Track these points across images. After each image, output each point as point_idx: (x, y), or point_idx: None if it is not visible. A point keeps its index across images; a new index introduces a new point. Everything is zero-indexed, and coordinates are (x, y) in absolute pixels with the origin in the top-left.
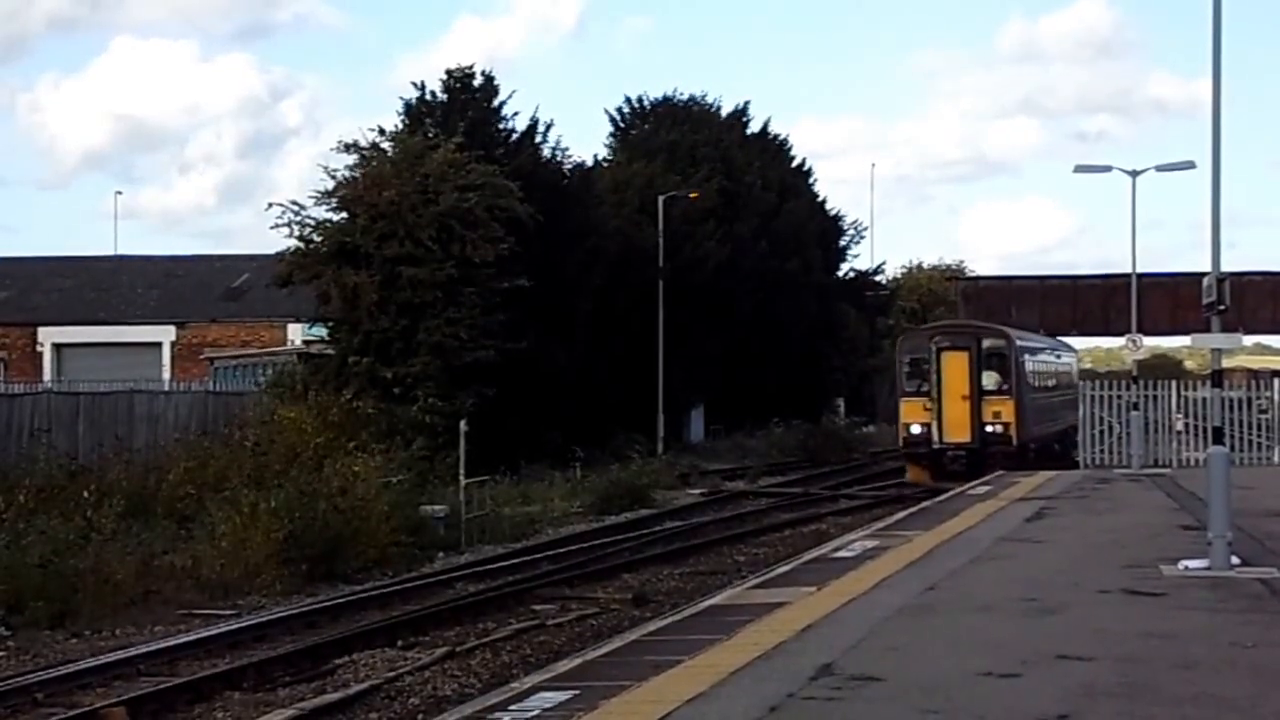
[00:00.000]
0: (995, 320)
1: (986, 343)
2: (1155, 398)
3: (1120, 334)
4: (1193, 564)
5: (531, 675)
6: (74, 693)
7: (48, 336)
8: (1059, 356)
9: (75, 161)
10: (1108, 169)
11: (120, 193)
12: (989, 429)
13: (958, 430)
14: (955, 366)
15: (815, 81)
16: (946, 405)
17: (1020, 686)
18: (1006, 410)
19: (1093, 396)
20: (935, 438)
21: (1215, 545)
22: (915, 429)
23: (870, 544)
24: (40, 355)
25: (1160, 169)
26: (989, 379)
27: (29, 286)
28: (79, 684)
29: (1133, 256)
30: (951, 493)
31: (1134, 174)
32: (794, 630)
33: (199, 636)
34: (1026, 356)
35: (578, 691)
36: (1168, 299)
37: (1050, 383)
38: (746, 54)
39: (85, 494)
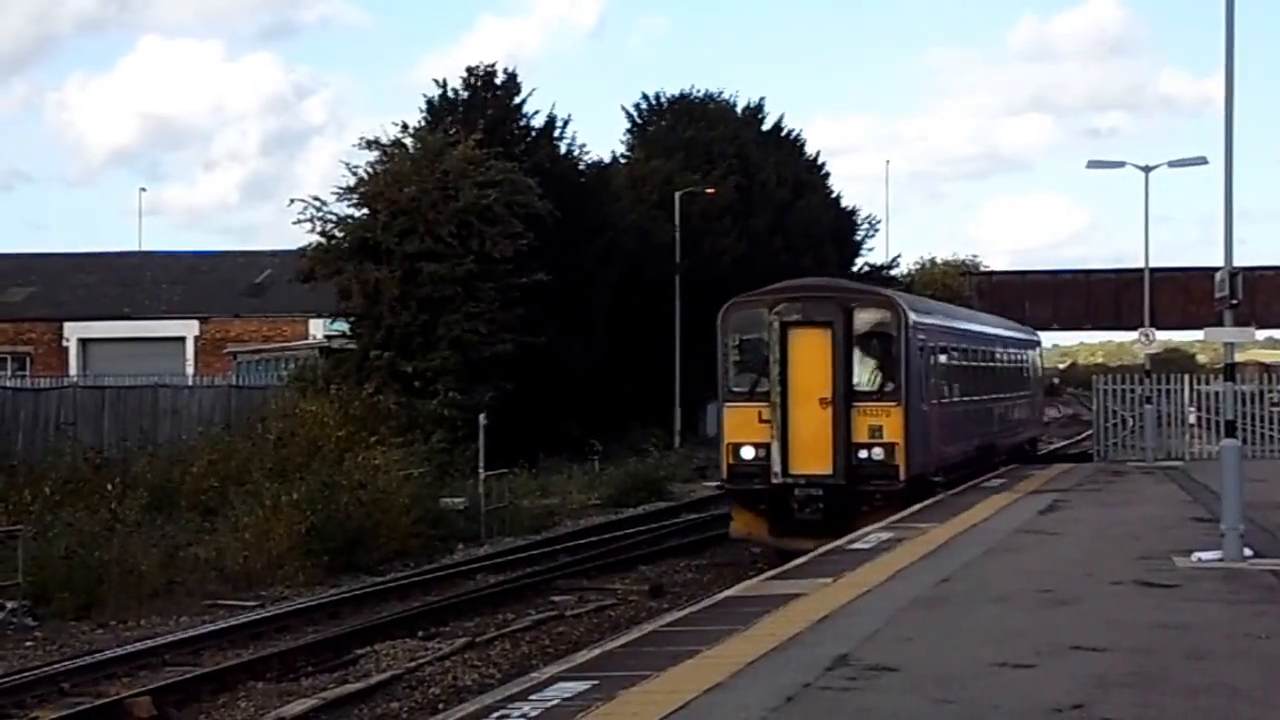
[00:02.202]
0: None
1: (861, 315)
2: (1168, 391)
3: (1133, 328)
4: (1206, 556)
5: (551, 666)
6: (100, 683)
7: (73, 332)
8: (1007, 346)
9: (102, 159)
10: (1121, 164)
11: (145, 189)
12: (862, 454)
13: (811, 456)
14: (809, 353)
15: (829, 79)
16: (795, 415)
17: (1035, 677)
18: (891, 424)
19: (1106, 390)
20: (776, 468)
21: (1228, 537)
22: (746, 452)
23: (886, 536)
24: (66, 350)
25: (1173, 165)
26: (864, 373)
27: (55, 282)
28: (105, 674)
29: (1145, 251)
30: (964, 486)
31: (1146, 170)
32: (810, 621)
33: (223, 627)
34: (932, 340)
35: (596, 682)
36: (1180, 294)
37: (984, 381)
38: (762, 53)
39: (110, 487)
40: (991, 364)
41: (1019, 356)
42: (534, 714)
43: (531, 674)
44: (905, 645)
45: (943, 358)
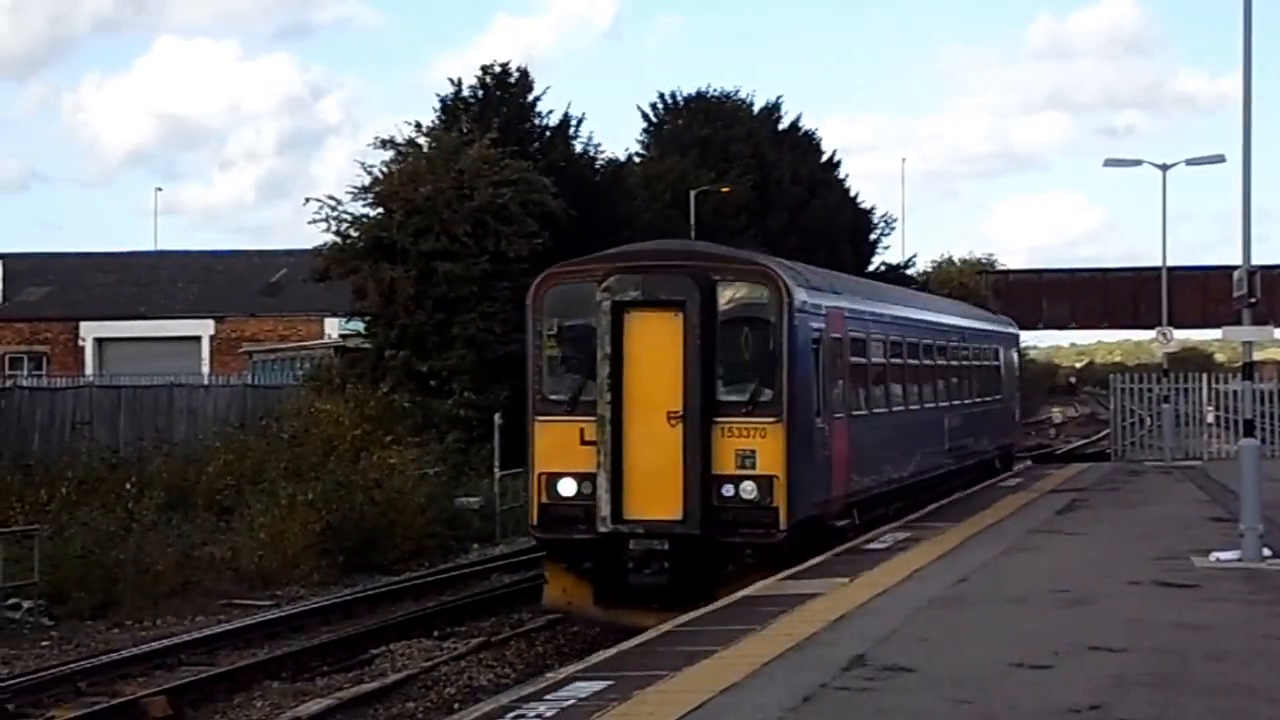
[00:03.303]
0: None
1: (728, 293)
2: (1186, 390)
3: (1150, 327)
4: (1224, 555)
5: (566, 665)
6: (116, 682)
7: (89, 331)
8: (968, 340)
9: (118, 159)
10: (1138, 163)
11: (160, 189)
12: (726, 491)
13: (653, 494)
14: (654, 346)
15: (845, 78)
16: (634, 436)
17: (1052, 677)
18: (768, 448)
19: (1123, 389)
20: (605, 510)
21: (1247, 537)
22: (565, 487)
23: (902, 536)
24: (82, 350)
25: (1190, 163)
26: (732, 375)
27: (70, 282)
28: (120, 674)
29: (1163, 250)
30: (982, 485)
31: (1164, 168)
32: (827, 621)
33: (238, 626)
34: (838, 328)
35: (612, 682)
36: (1198, 292)
37: (932, 385)
38: (777, 52)
39: (126, 486)
40: (944, 362)
41: (986, 352)
42: (549, 714)
43: (547, 674)
44: (922, 645)
45: (859, 354)
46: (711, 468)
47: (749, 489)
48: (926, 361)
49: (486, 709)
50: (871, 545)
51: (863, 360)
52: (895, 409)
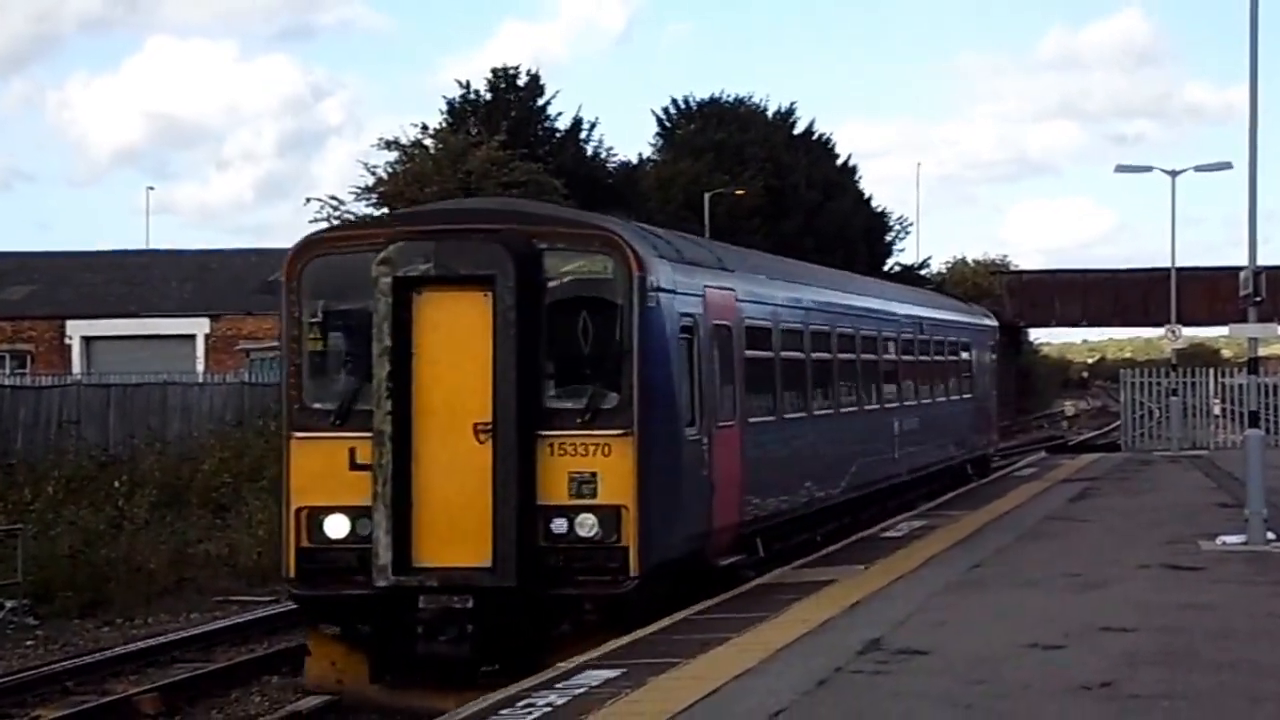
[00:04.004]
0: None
1: (556, 264)
2: (1194, 384)
3: (1160, 325)
4: (1230, 539)
5: (579, 654)
6: (105, 680)
7: (76, 330)
8: (925, 331)
9: (107, 159)
10: (1148, 169)
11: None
12: (557, 526)
13: (453, 533)
14: (453, 337)
15: (862, 84)
16: (426, 456)
17: (1065, 657)
18: (613, 469)
19: (1133, 383)
20: (385, 556)
21: (1252, 521)
22: (333, 526)
23: (918, 524)
24: (69, 348)
25: (1199, 169)
26: (564, 374)
27: (57, 280)
28: (110, 672)
29: (1172, 252)
30: (995, 475)
31: (1173, 174)
32: (842, 607)
33: (235, 623)
34: (723, 314)
35: (625, 669)
36: (1206, 292)
37: (873, 384)
38: (792, 57)
39: (116, 484)
40: (895, 356)
41: (953, 346)
42: (561, 702)
43: (559, 662)
44: (937, 629)
45: (761, 346)
46: (535, 496)
47: (587, 524)
48: (869, 355)
49: (498, 698)
50: (888, 533)
51: (767, 354)
52: (820, 412)
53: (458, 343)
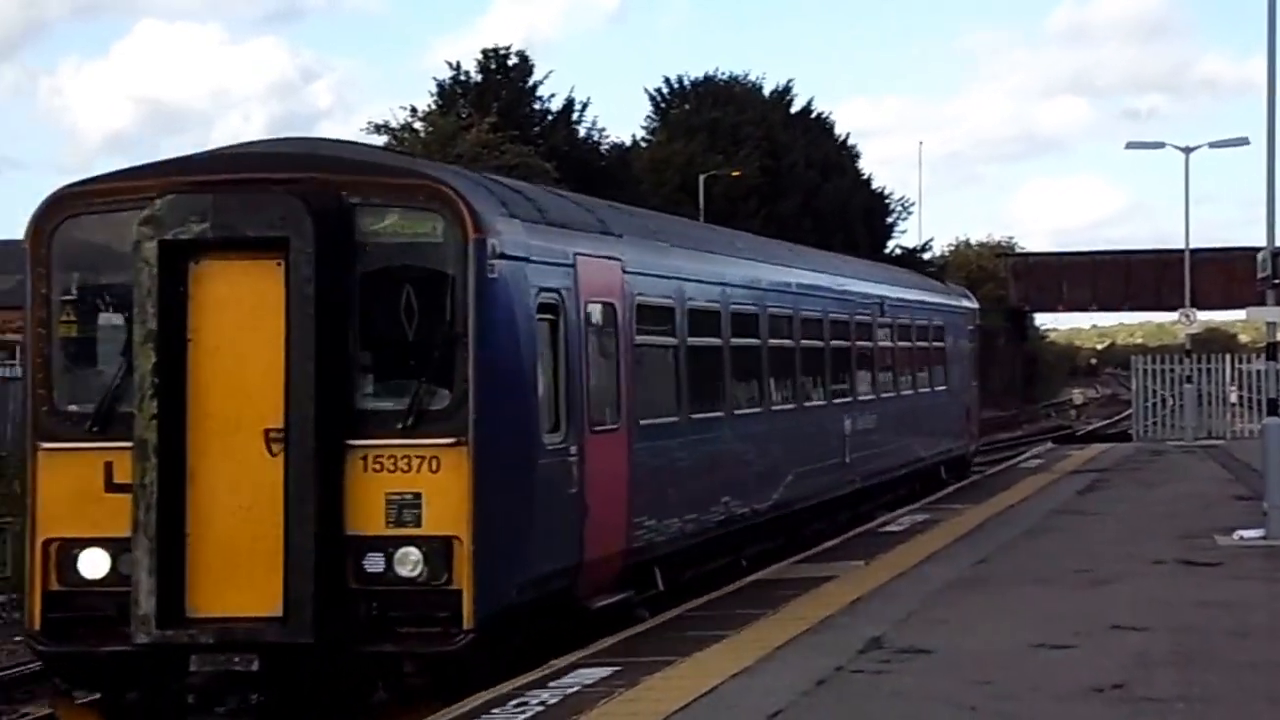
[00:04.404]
0: (1046, 296)
1: (374, 225)
2: (1208, 371)
3: (1173, 309)
4: (1248, 534)
5: (571, 652)
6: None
7: None
8: (888, 313)
9: (97, 144)
10: (1161, 145)
11: None
12: (371, 565)
13: (234, 576)
14: (236, 316)
15: (863, 61)
16: (200, 473)
17: (1074, 657)
18: (443, 489)
19: (1145, 370)
20: (147, 605)
21: (1271, 515)
22: (89, 564)
23: (920, 518)
24: None
25: (1214, 145)
26: (382, 371)
27: None
28: None
29: (1186, 232)
30: (1000, 467)
31: (1187, 150)
32: (842, 604)
33: None
34: (607, 290)
35: (619, 668)
36: (1221, 274)
37: (807, 376)
38: (792, 35)
39: None
40: (841, 343)
41: (920, 330)
42: (553, 701)
43: (552, 660)
44: (941, 627)
45: (658, 330)
46: (343, 525)
47: (410, 561)
48: (812, 342)
49: (489, 696)
50: (888, 528)
51: (667, 340)
52: (744, 411)
53: (243, 326)
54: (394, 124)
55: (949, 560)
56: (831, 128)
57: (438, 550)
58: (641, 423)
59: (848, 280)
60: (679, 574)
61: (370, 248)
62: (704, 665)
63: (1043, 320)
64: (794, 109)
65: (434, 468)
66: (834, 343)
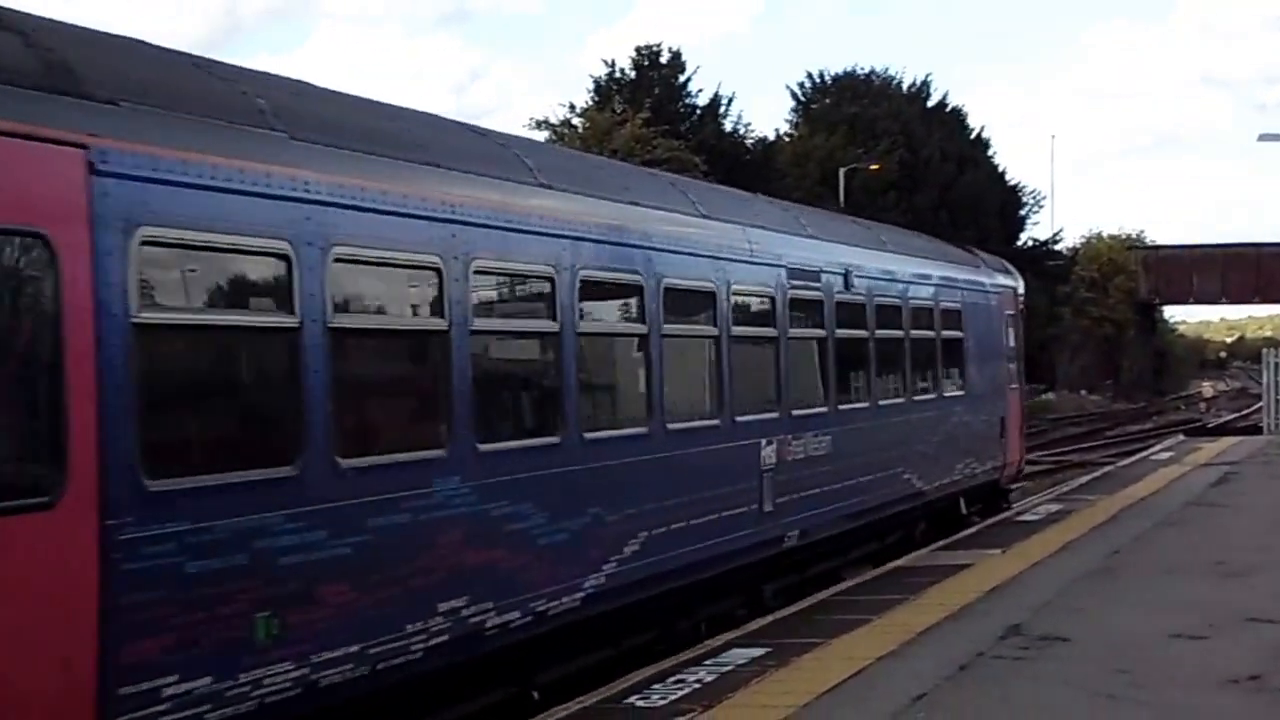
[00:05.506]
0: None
1: None
2: None
3: None
4: None
5: (724, 633)
6: None
7: None
8: (848, 281)
9: None
10: None
11: None
12: None
13: None
14: None
15: (997, 55)
16: None
17: (1209, 648)
18: None
19: (1278, 364)
20: None
21: None
22: None
23: (1054, 508)
24: None
25: None
26: None
27: None
28: None
29: None
30: (1131, 460)
31: None
32: (981, 591)
33: None
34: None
35: (770, 649)
36: None
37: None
38: (931, 29)
39: None
40: (747, 330)
41: (917, 313)
42: (710, 679)
43: (706, 640)
44: (1077, 616)
45: (197, 298)
46: None
47: None
48: (698, 329)
49: (648, 673)
50: (1023, 517)
51: (240, 318)
52: (496, 446)
53: None
54: (554, 120)
55: (1084, 550)
56: (965, 121)
57: None
58: (150, 490)
59: (773, 236)
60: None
61: None
62: (850, 648)
63: (1172, 313)
64: (930, 103)
65: None
66: (739, 329)
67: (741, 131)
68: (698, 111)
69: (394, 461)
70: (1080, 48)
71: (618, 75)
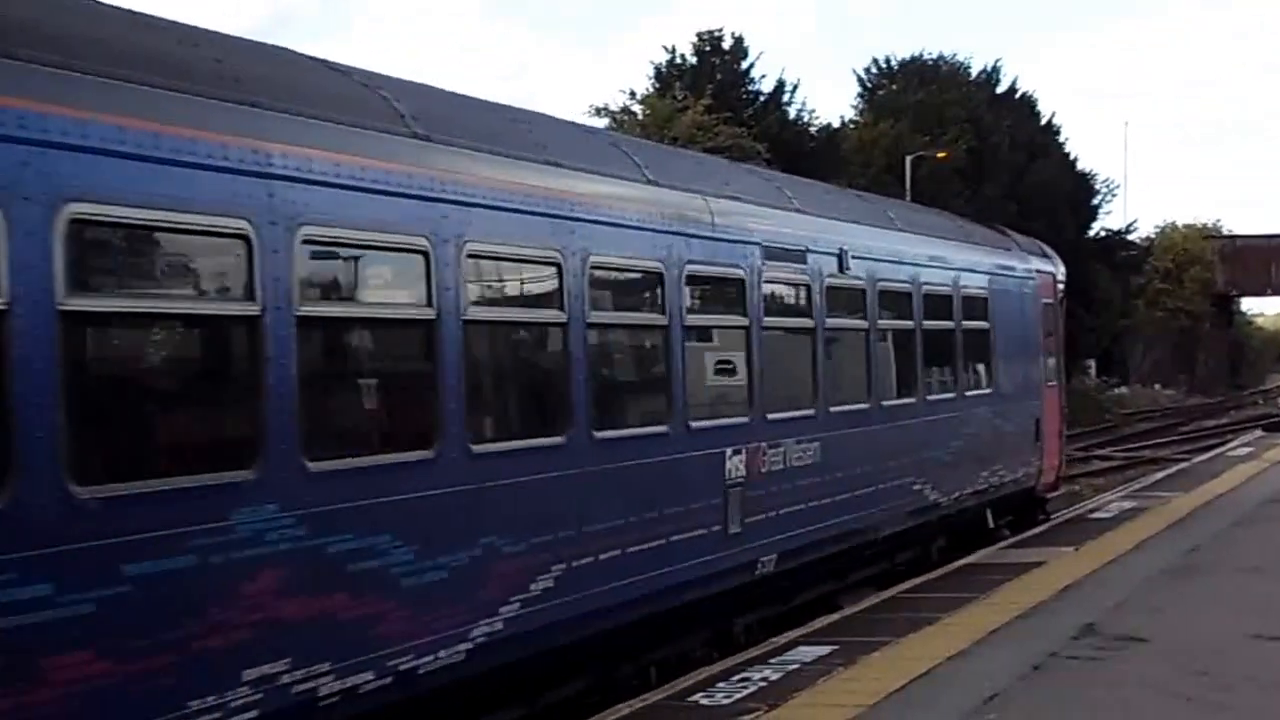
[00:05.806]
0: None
1: None
2: None
3: None
4: None
5: (789, 630)
6: None
7: None
8: (840, 261)
9: None
10: None
11: None
12: None
13: None
14: None
15: (1067, 39)
16: None
17: None
18: None
19: None
20: None
21: None
22: None
23: (1127, 505)
24: None
25: None
26: None
27: None
28: None
29: None
30: (1208, 455)
31: None
32: (1053, 590)
33: None
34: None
35: (836, 647)
36: None
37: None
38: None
39: None
40: (715, 319)
41: (933, 301)
42: (775, 677)
43: (772, 638)
44: (1154, 615)
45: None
46: None
47: None
48: (639, 317)
49: (715, 670)
50: (1096, 514)
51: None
52: (338, 464)
53: None
54: (613, 107)
55: (1159, 548)
56: (1035, 107)
57: None
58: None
59: (745, 208)
60: None
61: None
62: (919, 647)
63: (1249, 305)
64: (1000, 89)
65: None
66: (693, 319)
67: (805, 119)
68: (761, 99)
69: (175, 488)
70: (1157, 31)
71: (678, 61)
